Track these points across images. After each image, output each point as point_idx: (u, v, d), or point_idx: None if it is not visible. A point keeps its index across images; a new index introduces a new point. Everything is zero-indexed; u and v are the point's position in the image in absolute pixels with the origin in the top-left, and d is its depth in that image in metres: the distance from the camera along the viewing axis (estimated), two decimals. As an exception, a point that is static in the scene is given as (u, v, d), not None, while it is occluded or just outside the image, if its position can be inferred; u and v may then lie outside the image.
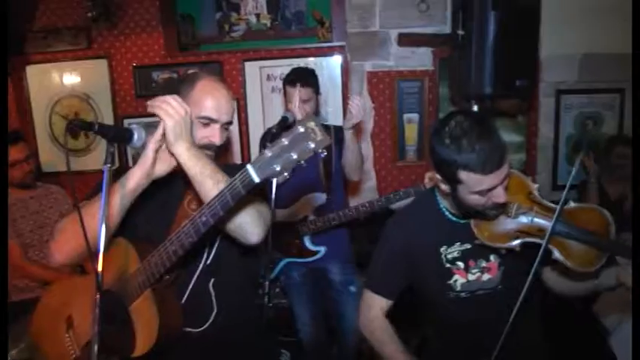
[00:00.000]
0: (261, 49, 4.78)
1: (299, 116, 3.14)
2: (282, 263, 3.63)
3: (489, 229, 1.93)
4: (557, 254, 1.83)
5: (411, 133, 4.74)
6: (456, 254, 2.03)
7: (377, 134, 4.77)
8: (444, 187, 1.92)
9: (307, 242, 3.54)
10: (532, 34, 3.27)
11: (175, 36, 4.83)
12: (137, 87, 4.89)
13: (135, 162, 1.81)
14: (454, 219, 2.05)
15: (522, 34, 3.15)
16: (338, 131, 3.46)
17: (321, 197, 3.46)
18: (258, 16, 4.74)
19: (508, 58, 3.11)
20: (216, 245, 1.97)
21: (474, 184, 1.76)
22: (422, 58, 4.63)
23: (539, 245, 1.82)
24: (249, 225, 1.76)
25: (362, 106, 3.13)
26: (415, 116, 4.71)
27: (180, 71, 4.78)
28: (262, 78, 4.74)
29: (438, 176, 1.90)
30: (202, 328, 1.97)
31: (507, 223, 1.92)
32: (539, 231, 1.87)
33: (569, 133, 4.75)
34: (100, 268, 1.55)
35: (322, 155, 1.43)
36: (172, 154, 1.74)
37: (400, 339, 2.14)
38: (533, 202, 1.92)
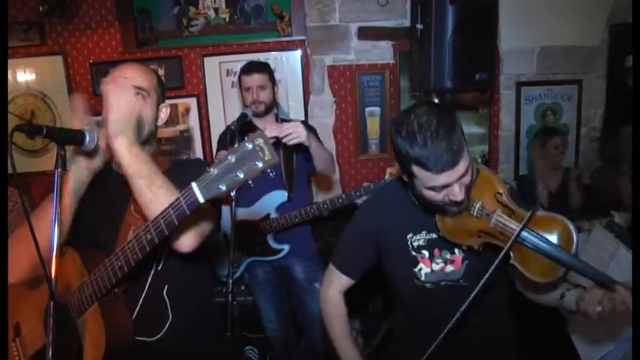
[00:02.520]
0: (220, 44, 4.71)
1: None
2: (245, 262, 3.60)
3: (451, 224, 1.90)
4: (514, 260, 1.81)
5: (373, 126, 4.74)
6: (421, 242, 2.02)
7: (339, 128, 4.76)
8: (403, 177, 1.90)
9: (270, 240, 3.52)
10: (490, 28, 3.28)
11: (133, 31, 4.73)
12: (95, 84, 4.78)
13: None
14: (422, 206, 2.04)
15: (481, 28, 3.15)
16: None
17: (283, 195, 3.43)
18: (216, 10, 4.67)
19: (467, 52, 3.11)
20: (166, 250, 1.91)
21: (427, 180, 1.73)
22: (382, 52, 4.62)
23: (500, 247, 1.80)
24: (183, 235, 1.72)
25: (293, 128, 3.07)
26: (377, 109, 4.70)
27: (138, 67, 4.67)
28: (222, 73, 4.68)
29: (398, 166, 1.89)
30: (158, 337, 1.92)
31: (469, 222, 1.87)
32: (501, 234, 1.81)
33: (530, 124, 4.80)
34: (53, 273, 1.51)
35: (271, 175, 1.40)
36: (111, 150, 1.70)
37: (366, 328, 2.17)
38: (499, 204, 1.86)
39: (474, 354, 2.03)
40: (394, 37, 4.56)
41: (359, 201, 3.37)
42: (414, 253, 2.03)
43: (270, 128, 3.00)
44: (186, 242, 1.73)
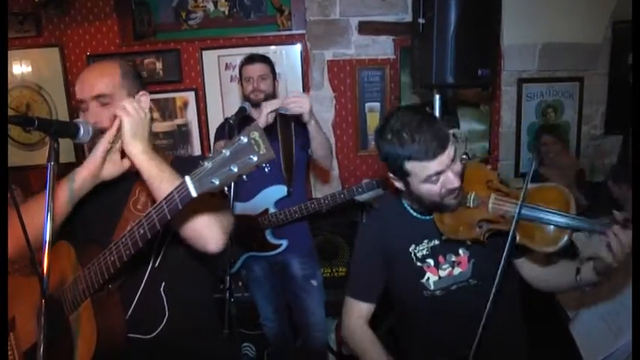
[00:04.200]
0: (219, 38, 4.67)
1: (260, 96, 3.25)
2: (243, 257, 3.57)
3: (451, 221, 1.93)
4: (520, 239, 1.82)
5: (373, 122, 4.69)
6: (425, 252, 2.03)
7: (338, 124, 4.72)
8: (398, 185, 1.96)
9: (269, 236, 3.49)
10: (494, 24, 3.23)
11: (131, 24, 4.69)
12: (91, 77, 4.71)
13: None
14: (419, 216, 2.06)
15: (484, 23, 3.11)
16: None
17: (282, 189, 3.40)
18: (215, 3, 4.64)
19: (470, 47, 3.07)
20: (164, 246, 1.88)
21: (421, 172, 1.79)
22: (383, 47, 4.58)
23: (504, 232, 1.82)
24: (208, 233, 1.68)
25: (300, 96, 3.07)
26: (377, 105, 4.66)
27: (136, 60, 4.62)
28: (220, 67, 4.63)
29: (391, 175, 1.94)
30: (154, 334, 1.88)
31: (468, 214, 1.91)
32: (502, 217, 1.86)
33: (532, 122, 4.76)
34: (45, 271, 1.47)
35: (266, 169, 1.36)
36: (127, 155, 1.67)
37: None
38: (492, 190, 1.93)
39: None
40: (395, 32, 4.52)
41: (360, 197, 3.36)
42: (419, 263, 2.03)
43: (268, 104, 3.04)
44: (215, 242, 1.69)
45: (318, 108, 4.61)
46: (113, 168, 1.74)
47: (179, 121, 4.75)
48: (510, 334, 2.10)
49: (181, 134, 4.77)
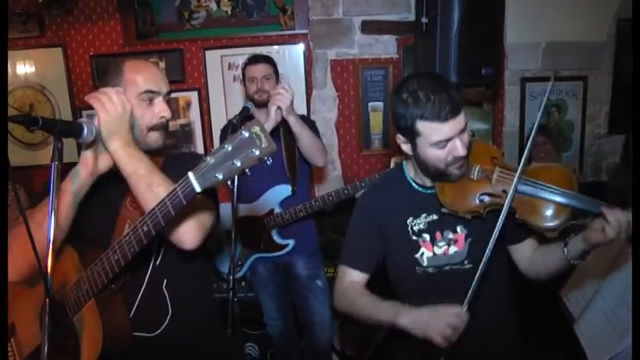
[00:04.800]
0: (222, 37, 4.67)
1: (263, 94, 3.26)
2: (251, 259, 3.57)
3: (453, 193, 1.94)
4: (519, 215, 1.86)
5: (376, 121, 4.68)
6: (422, 226, 2.02)
7: (342, 123, 4.71)
8: (405, 147, 1.96)
9: (275, 236, 3.49)
10: (497, 23, 3.23)
11: (133, 24, 4.69)
12: (95, 77, 4.71)
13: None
14: (420, 189, 2.06)
15: (487, 22, 3.10)
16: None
17: (286, 189, 3.40)
18: (218, 3, 4.63)
19: (473, 46, 3.06)
20: (164, 243, 1.87)
21: (432, 134, 1.80)
22: (386, 46, 4.57)
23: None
24: (184, 231, 1.69)
25: (283, 90, 3.05)
26: (380, 104, 4.65)
27: (139, 60, 4.61)
28: (224, 67, 4.63)
29: (400, 136, 1.95)
30: (158, 332, 1.89)
31: (471, 186, 1.94)
32: (503, 192, 1.88)
33: (535, 121, 4.71)
34: (49, 271, 1.47)
35: (269, 162, 1.36)
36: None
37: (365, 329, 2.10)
38: (496, 165, 1.94)
39: (476, 350, 1.98)
40: (398, 31, 4.51)
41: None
42: (414, 237, 2.02)
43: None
44: (190, 239, 1.71)
45: (320, 107, 4.63)
46: (108, 159, 1.72)
47: (182, 120, 4.75)
48: (498, 335, 2.08)
49: (184, 134, 4.77)
